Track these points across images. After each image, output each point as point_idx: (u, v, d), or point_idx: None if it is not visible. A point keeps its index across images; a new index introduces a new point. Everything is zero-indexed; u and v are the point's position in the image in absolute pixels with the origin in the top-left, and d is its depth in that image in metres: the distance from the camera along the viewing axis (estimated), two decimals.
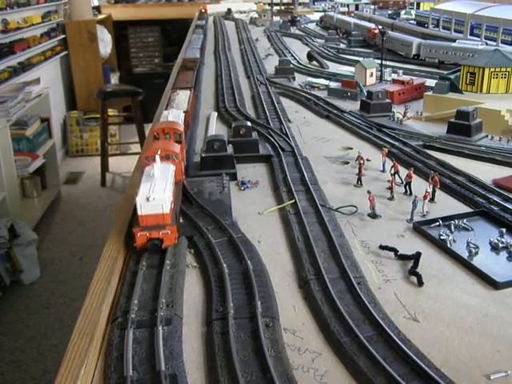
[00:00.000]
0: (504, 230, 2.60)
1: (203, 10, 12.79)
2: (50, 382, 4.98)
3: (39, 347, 5.59)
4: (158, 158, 2.65)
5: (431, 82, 5.20)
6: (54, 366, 5.25)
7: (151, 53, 14.23)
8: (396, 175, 3.20)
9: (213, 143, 3.46)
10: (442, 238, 2.59)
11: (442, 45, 6.58)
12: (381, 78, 5.78)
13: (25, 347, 5.60)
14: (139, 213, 2.39)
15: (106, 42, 12.28)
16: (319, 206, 2.88)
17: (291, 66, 6.52)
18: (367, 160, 3.52)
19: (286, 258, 2.53)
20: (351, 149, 3.93)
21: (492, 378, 1.76)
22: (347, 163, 3.68)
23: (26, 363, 5.38)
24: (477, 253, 2.48)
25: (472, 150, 3.70)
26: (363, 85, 5.36)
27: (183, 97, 4.35)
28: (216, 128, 4.52)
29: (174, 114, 3.45)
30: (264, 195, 3.23)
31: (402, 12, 11.09)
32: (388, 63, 6.28)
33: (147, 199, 2.36)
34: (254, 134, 3.86)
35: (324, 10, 13.07)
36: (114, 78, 12.96)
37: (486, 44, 6.44)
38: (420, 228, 2.72)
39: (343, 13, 11.81)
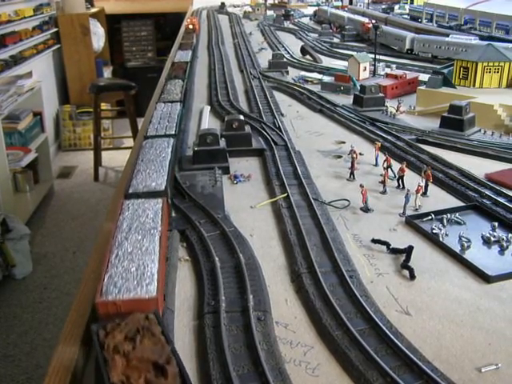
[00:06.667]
0: (496, 223, 2.60)
1: (191, 26, 8.50)
2: (42, 377, 4.96)
3: (32, 342, 5.56)
4: None
5: (424, 77, 5.20)
6: (46, 360, 5.23)
7: (144, 47, 14.14)
8: (389, 169, 3.20)
9: (205, 137, 3.45)
10: (434, 231, 2.60)
11: (435, 39, 6.58)
12: (374, 73, 5.77)
13: (17, 342, 5.57)
14: None
15: (98, 36, 12.17)
16: (312, 200, 2.88)
17: (284, 60, 6.50)
18: (360, 154, 3.52)
19: (279, 252, 2.52)
20: (344, 143, 3.93)
21: (483, 370, 1.77)
22: (340, 157, 3.67)
23: (18, 358, 5.35)
24: (469, 247, 2.48)
25: (465, 145, 3.71)
26: (356, 79, 5.35)
27: None
28: (209, 122, 4.50)
29: None
30: (256, 189, 3.22)
31: (396, 6, 11.07)
32: (381, 57, 6.27)
33: None
34: (247, 128, 3.85)
35: (318, 4, 13.03)
36: (107, 72, 12.86)
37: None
38: (412, 222, 2.72)
39: (337, 7, 11.77)
